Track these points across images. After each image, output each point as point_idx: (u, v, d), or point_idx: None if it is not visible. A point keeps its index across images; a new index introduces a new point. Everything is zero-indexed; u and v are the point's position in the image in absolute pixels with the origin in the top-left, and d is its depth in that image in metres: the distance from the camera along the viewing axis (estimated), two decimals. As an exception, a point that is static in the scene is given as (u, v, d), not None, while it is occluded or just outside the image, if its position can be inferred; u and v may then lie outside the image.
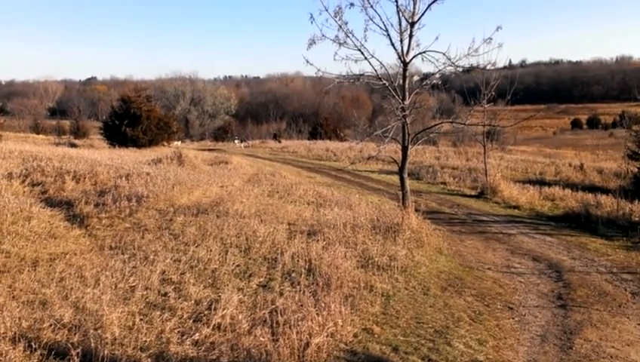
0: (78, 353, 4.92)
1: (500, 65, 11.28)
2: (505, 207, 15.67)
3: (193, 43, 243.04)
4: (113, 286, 7.15)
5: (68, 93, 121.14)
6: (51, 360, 5.10)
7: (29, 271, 7.85)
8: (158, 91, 71.30)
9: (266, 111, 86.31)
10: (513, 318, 6.95)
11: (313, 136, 55.72)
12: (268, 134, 67.78)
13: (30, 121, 72.25)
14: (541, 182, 20.40)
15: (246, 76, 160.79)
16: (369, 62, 10.96)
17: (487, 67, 10.72)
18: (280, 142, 47.39)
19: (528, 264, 9.63)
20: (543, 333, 6.48)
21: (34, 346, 5.18)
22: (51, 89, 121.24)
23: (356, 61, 10.85)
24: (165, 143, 39.26)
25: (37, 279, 7.47)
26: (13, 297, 6.75)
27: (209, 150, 35.91)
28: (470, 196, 17.63)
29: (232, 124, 64.40)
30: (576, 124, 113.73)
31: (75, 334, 5.64)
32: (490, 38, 10.16)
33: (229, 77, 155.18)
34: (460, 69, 11.02)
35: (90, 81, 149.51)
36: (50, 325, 5.80)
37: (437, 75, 11.53)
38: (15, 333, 5.45)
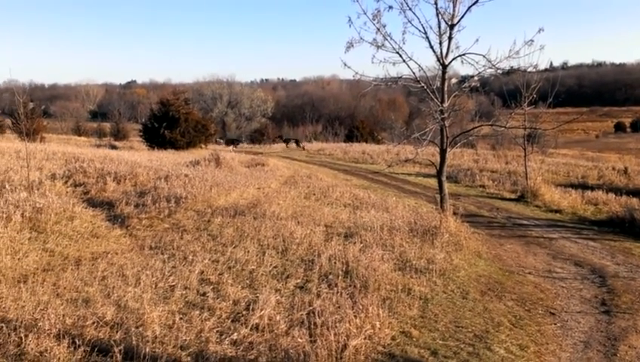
0: (120, 350, 5.02)
1: (542, 67, 11.09)
2: (546, 211, 15.36)
3: (230, 46, 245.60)
4: (153, 286, 7.27)
5: (108, 96, 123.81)
6: (94, 357, 5.20)
7: (72, 269, 8.04)
8: (196, 94, 72.28)
9: (302, 113, 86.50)
10: (555, 324, 6.79)
11: (349, 138, 55.54)
12: (304, 136, 67.87)
13: (72, 124, 74.16)
14: (583, 186, 19.90)
15: (282, 79, 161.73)
16: (407, 64, 10.93)
17: (529, 69, 10.54)
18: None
19: (570, 269, 9.42)
20: (586, 339, 6.32)
21: (77, 343, 5.29)
22: (92, 92, 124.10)
23: (394, 64, 10.84)
24: (203, 145, 39.72)
25: (80, 277, 7.63)
26: (58, 295, 6.92)
27: (246, 152, 36.17)
28: (510, 199, 17.34)
29: (269, 127, 64.73)
30: (619, 127, 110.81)
31: (117, 332, 5.74)
32: (532, 40, 10.01)
33: (266, 80, 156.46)
34: (501, 72, 10.86)
35: (130, 85, 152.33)
36: (93, 322, 5.92)
37: (476, 78, 11.40)
38: (59, 330, 5.57)
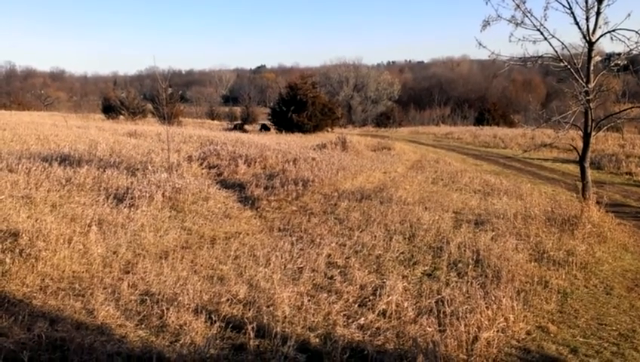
0: (253, 328, 5.17)
1: None
2: None
3: (357, 29, 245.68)
4: (282, 267, 7.44)
5: (239, 80, 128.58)
6: (229, 333, 5.41)
7: (207, 248, 8.45)
8: (323, 78, 73.00)
9: (429, 96, 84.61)
10: None
11: (479, 122, 53.58)
12: (430, 120, 66.59)
13: (206, 108, 78.07)
14: None
15: (409, 61, 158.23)
16: (549, 42, 10.27)
17: (689, 47, 9.48)
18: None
19: None
20: None
21: (213, 318, 5.54)
22: (225, 77, 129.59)
23: (534, 42, 10.23)
24: (329, 129, 40.20)
25: (215, 256, 7.99)
26: (195, 271, 7.29)
27: (371, 136, 36.17)
28: (661, 188, 15.83)
29: (395, 110, 64.06)
30: None
31: (249, 310, 5.94)
32: (694, 12, 8.98)
33: (393, 62, 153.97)
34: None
35: (260, 70, 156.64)
36: (228, 300, 6.17)
37: (624, 56, 10.47)
38: (197, 305, 5.87)
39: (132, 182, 11.87)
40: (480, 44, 10.49)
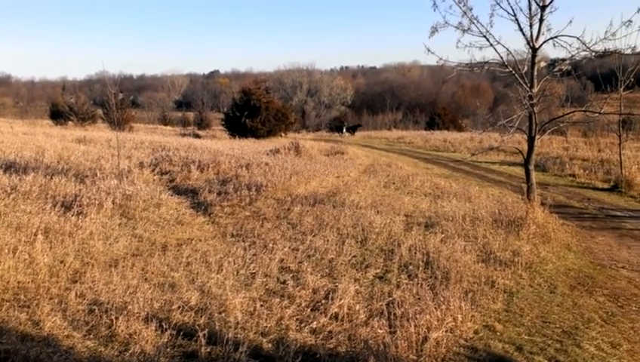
0: (204, 334, 5.13)
1: (640, 49, 10.42)
2: (641, 202, 14.44)
3: (311, 34, 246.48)
4: (235, 272, 7.42)
5: (193, 85, 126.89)
6: (180, 341, 5.36)
7: (159, 255, 8.33)
8: (277, 83, 73.02)
9: (382, 101, 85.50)
10: (651, 322, 6.37)
11: (430, 126, 54.57)
12: (383, 124, 67.27)
13: (158, 113, 76.96)
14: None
15: (362, 66, 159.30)
16: (494, 48, 10.57)
17: (626, 52, 9.91)
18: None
19: (669, 264, 8.80)
20: (687, 340, 5.88)
21: (164, 326, 5.47)
22: (177, 82, 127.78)
23: (481, 48, 10.52)
24: (283, 134, 40.20)
25: (166, 263, 7.89)
26: (146, 279, 7.17)
27: (325, 140, 36.33)
28: (602, 189, 16.42)
29: (348, 115, 64.62)
30: None
31: (201, 316, 5.89)
32: (630, 21, 9.40)
33: (346, 67, 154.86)
34: (595, 54, 10.27)
35: (213, 74, 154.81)
36: (179, 307, 6.11)
37: (567, 61, 10.86)
38: (147, 313, 5.78)
39: (80, 190, 11.58)
40: (429, 50, 10.71)
